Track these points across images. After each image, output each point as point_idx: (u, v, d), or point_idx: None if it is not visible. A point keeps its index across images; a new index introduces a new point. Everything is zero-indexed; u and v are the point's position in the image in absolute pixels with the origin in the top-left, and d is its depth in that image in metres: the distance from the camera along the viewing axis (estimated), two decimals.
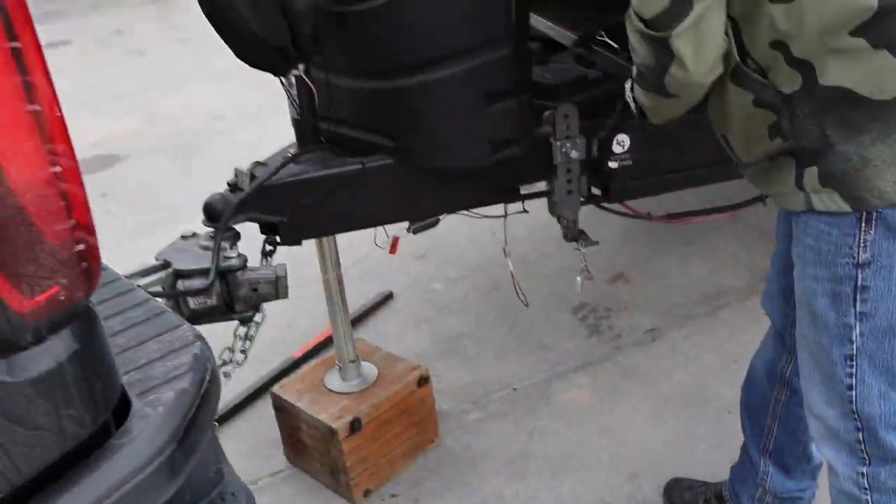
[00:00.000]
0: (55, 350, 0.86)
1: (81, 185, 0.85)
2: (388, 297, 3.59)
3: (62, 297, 0.84)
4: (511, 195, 2.33)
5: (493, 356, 3.22)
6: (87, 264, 0.86)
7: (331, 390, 2.57)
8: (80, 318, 0.89)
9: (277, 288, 2.07)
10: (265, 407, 2.88)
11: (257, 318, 2.24)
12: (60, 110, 0.83)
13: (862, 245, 1.47)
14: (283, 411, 2.62)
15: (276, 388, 2.64)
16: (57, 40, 9.18)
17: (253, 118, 5.81)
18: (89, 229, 0.87)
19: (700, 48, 1.45)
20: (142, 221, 4.61)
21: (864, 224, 1.46)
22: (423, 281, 3.72)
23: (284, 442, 2.71)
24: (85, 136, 6.01)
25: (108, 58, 8.40)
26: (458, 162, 2.13)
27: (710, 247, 3.72)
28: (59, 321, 0.86)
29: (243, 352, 2.27)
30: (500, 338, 3.30)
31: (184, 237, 2.17)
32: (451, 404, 2.95)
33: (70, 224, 0.83)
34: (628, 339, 3.24)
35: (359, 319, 3.44)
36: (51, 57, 0.85)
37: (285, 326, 3.44)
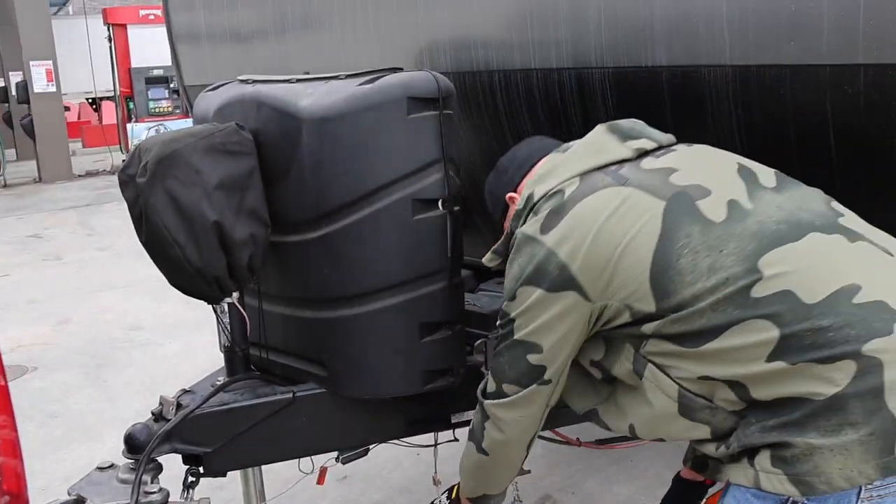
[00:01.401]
0: None
1: (19, 456, 0.81)
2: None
3: None
4: (443, 424, 2.30)
5: None
6: None
7: None
8: None
9: None
10: None
11: None
12: (5, 378, 0.79)
13: None
14: None
15: None
16: None
17: (172, 331, 5.73)
18: (21, 500, 0.82)
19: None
20: (50, 438, 4.38)
21: None
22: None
23: None
24: None
25: (23, 261, 8.27)
26: (389, 392, 2.11)
27: (635, 467, 3.71)
28: None
29: None
30: None
31: (100, 468, 2.06)
32: None
33: (3, 500, 0.78)
34: None
35: None
36: None
37: None
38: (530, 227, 1.72)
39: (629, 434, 1.76)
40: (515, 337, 1.73)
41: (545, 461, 3.73)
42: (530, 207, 1.78)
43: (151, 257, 1.98)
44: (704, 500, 2.22)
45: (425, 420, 2.27)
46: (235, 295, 2.08)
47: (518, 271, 1.71)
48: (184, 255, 1.91)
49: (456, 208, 2.03)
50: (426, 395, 2.14)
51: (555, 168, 1.79)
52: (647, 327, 1.60)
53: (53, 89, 13.52)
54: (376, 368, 2.08)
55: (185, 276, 1.96)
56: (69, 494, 1.98)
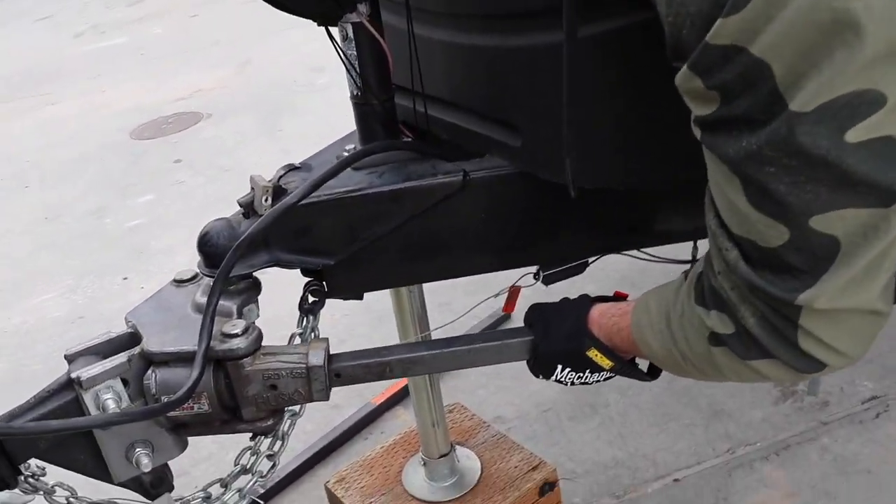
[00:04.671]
0: None
1: None
2: (505, 320, 2.73)
3: None
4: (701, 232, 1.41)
5: (646, 421, 2.32)
6: None
7: (412, 496, 1.74)
8: None
9: (310, 385, 1.23)
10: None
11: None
12: None
13: None
14: None
15: (332, 483, 1.83)
16: None
17: None
18: None
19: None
20: (215, 194, 3.89)
21: None
22: (550, 298, 2.83)
23: None
24: (171, 90, 5.37)
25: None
26: (634, 181, 1.22)
27: None
28: None
29: (271, 456, 1.46)
30: (655, 393, 2.40)
31: (178, 282, 1.36)
32: (586, 497, 2.08)
33: None
34: (839, 411, 2.29)
35: None
36: None
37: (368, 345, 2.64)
38: None
39: None
40: (791, 109, 0.76)
41: None
42: None
43: None
44: None
45: (679, 224, 1.38)
46: (364, 9, 1.21)
47: None
48: None
49: None
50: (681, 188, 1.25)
51: None
52: None
53: None
54: (608, 138, 1.19)
55: None
56: (126, 323, 1.30)
